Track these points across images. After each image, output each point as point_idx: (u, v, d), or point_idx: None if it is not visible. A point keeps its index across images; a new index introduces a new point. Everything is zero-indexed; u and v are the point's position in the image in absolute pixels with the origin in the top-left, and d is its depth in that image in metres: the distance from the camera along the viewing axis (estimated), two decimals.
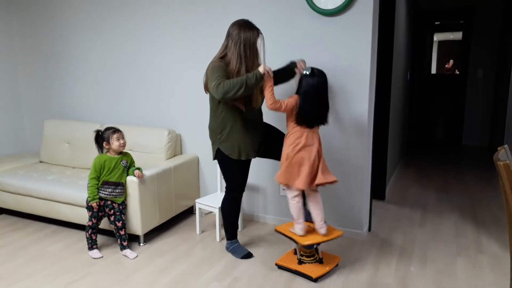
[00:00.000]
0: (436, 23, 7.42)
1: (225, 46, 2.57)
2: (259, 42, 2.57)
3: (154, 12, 3.64)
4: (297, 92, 2.51)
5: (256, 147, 2.73)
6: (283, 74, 2.71)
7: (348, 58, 2.97)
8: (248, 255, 2.89)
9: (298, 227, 2.61)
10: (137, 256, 2.89)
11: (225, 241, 3.13)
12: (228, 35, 2.56)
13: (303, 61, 2.65)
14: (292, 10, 3.09)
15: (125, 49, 3.84)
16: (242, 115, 2.62)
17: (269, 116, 3.08)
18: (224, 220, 2.91)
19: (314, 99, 2.46)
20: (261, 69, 2.41)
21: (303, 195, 2.64)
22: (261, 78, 2.42)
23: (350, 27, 2.93)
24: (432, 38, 7.72)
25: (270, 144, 2.81)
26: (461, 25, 6.91)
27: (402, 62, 4.95)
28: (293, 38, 3.12)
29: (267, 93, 2.47)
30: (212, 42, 3.44)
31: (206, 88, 2.64)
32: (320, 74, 2.48)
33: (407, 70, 5.63)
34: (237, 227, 2.99)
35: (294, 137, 2.52)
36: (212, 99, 2.67)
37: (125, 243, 2.93)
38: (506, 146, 1.74)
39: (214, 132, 2.71)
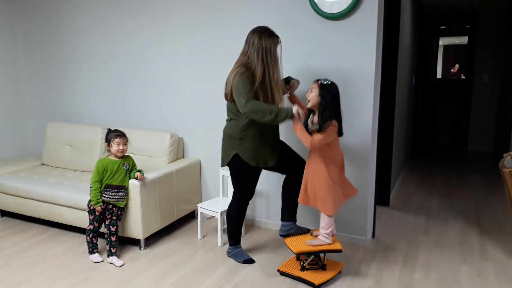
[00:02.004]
0: (441, 27, 7.39)
1: (246, 53, 2.56)
2: (279, 48, 2.58)
3: (156, 15, 3.63)
4: (325, 111, 2.37)
5: (275, 155, 2.72)
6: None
7: (353, 62, 2.95)
8: (250, 261, 2.87)
9: (330, 237, 2.56)
10: (123, 264, 2.84)
11: (227, 246, 3.11)
12: (248, 42, 2.56)
13: (298, 82, 2.73)
14: (296, 14, 3.07)
15: (128, 52, 3.83)
16: (261, 125, 2.58)
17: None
18: (228, 225, 2.89)
19: (337, 106, 2.42)
20: (294, 109, 2.39)
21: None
22: (291, 117, 2.39)
23: (355, 31, 2.91)
24: (438, 42, 7.69)
25: (285, 157, 2.79)
26: (467, 30, 6.88)
27: (407, 67, 4.92)
28: (297, 42, 3.10)
29: (300, 134, 2.40)
30: (215, 45, 3.43)
31: (228, 97, 2.63)
32: (335, 85, 2.45)
33: (412, 75, 5.59)
34: (241, 233, 2.96)
35: (337, 155, 2.49)
36: (234, 105, 2.62)
37: (113, 250, 2.89)
38: (511, 152, 1.71)
39: (233, 137, 2.65)
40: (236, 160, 2.67)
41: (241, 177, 2.74)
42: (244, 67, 2.54)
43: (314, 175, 2.49)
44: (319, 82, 2.41)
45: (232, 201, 2.84)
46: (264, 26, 2.61)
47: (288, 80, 2.76)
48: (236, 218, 2.85)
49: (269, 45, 2.51)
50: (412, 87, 5.71)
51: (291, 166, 2.78)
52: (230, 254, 2.94)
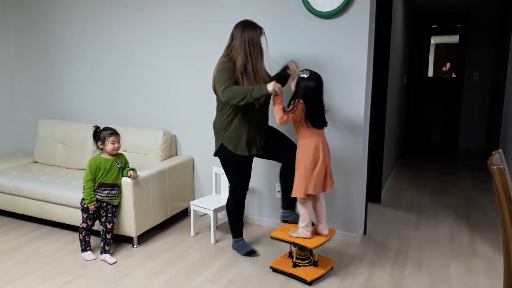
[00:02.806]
0: (433, 26, 7.44)
1: (230, 46, 2.64)
2: (263, 39, 2.64)
3: (150, 13, 3.62)
4: (295, 96, 2.47)
5: (258, 144, 2.77)
6: (279, 80, 2.73)
7: (345, 60, 2.97)
8: (251, 252, 2.92)
9: (308, 230, 2.57)
10: (116, 261, 2.85)
11: (219, 243, 3.13)
12: (232, 35, 2.64)
13: (295, 62, 2.70)
14: (289, 12, 3.09)
15: (121, 49, 3.82)
16: (243, 113, 2.66)
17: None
18: (229, 219, 2.94)
19: (316, 99, 2.46)
20: (269, 86, 2.42)
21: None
22: (266, 94, 2.44)
23: (347, 29, 2.93)
24: (429, 41, 7.75)
25: (272, 144, 2.82)
26: (458, 29, 6.94)
27: (399, 65, 4.95)
28: (290, 40, 3.11)
29: (276, 109, 2.47)
30: (208, 43, 3.43)
31: (214, 90, 2.70)
32: (317, 77, 2.47)
33: (404, 73, 5.63)
34: (242, 225, 2.99)
35: (310, 142, 2.49)
36: (219, 97, 2.69)
37: (107, 248, 2.89)
38: (500, 150, 1.74)
39: (218, 128, 2.75)
40: (222, 149, 2.76)
41: (229, 167, 2.80)
42: (227, 58, 2.62)
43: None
44: (299, 74, 2.49)
45: (228, 195, 2.90)
46: (247, 20, 2.66)
47: (287, 70, 2.73)
48: (234, 211, 2.90)
49: (251, 36, 2.57)
50: (404, 85, 5.75)
51: (283, 153, 2.78)
52: (234, 247, 2.98)
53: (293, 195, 2.53)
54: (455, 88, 6.93)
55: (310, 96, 2.44)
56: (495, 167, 1.49)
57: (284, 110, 2.47)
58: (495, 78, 5.90)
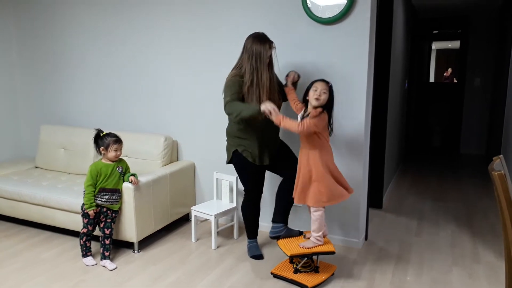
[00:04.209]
0: (434, 31, 7.45)
1: (241, 58, 2.73)
2: (271, 53, 2.70)
3: (151, 18, 3.64)
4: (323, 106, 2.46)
5: (271, 155, 2.84)
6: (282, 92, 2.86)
7: (345, 66, 2.98)
8: (258, 257, 2.96)
9: (321, 237, 2.59)
10: (116, 267, 2.84)
11: (220, 249, 3.14)
12: (244, 47, 2.71)
13: (298, 75, 2.78)
14: (289, 18, 3.10)
15: (122, 55, 3.84)
16: (259, 124, 2.71)
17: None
18: (243, 220, 3.02)
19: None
20: (263, 106, 2.47)
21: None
22: (257, 112, 2.50)
23: (348, 35, 2.93)
24: (430, 47, 7.76)
25: (278, 159, 2.87)
26: (459, 34, 6.95)
27: (400, 70, 4.96)
28: (290, 46, 3.12)
29: (285, 125, 2.44)
30: (209, 49, 3.44)
31: None
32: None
33: (405, 79, 5.64)
34: (257, 228, 3.06)
35: (327, 150, 2.54)
36: None
37: (107, 253, 2.89)
38: (501, 156, 1.74)
39: (231, 135, 2.83)
40: (235, 156, 2.83)
41: (243, 174, 2.88)
42: (237, 70, 2.71)
43: (305, 170, 2.53)
44: (329, 85, 2.49)
45: (243, 197, 2.98)
46: (259, 32, 2.72)
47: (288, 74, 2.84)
48: (247, 214, 2.98)
49: (259, 51, 2.63)
50: (405, 91, 5.75)
51: (286, 169, 2.84)
52: (247, 246, 3.07)
53: (315, 204, 2.50)
54: (456, 93, 6.93)
55: (330, 107, 2.50)
56: (496, 173, 1.49)
57: (302, 117, 2.49)
58: (496, 83, 5.90)
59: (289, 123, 2.44)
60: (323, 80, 2.49)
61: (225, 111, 2.66)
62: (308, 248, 2.57)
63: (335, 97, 2.99)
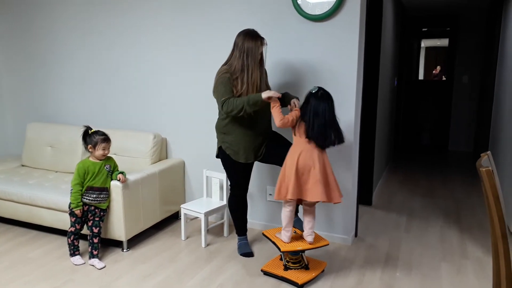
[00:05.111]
0: (423, 29, 7.50)
1: (232, 55, 2.71)
2: (262, 50, 2.70)
3: (142, 15, 3.60)
4: (301, 108, 2.55)
5: (256, 152, 2.83)
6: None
7: (335, 63, 2.98)
8: (248, 254, 2.96)
9: (286, 235, 2.61)
10: (104, 266, 2.81)
11: (210, 247, 3.13)
12: (235, 43, 2.69)
13: (297, 100, 2.69)
14: (280, 15, 3.09)
15: (112, 51, 3.79)
16: (245, 120, 2.72)
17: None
18: (232, 216, 3.02)
19: (317, 118, 2.46)
20: (264, 94, 2.53)
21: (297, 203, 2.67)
22: (261, 102, 2.55)
23: (337, 32, 2.93)
24: (420, 44, 7.80)
25: (273, 150, 2.84)
26: (448, 32, 7.00)
27: (389, 68, 4.98)
28: (280, 42, 3.11)
29: (274, 112, 2.57)
30: (200, 46, 3.42)
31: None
32: (325, 96, 2.50)
33: (395, 76, 5.67)
34: (245, 224, 3.05)
35: (295, 149, 2.54)
36: None
37: (95, 252, 2.85)
38: (489, 152, 1.75)
39: (219, 131, 2.85)
40: (222, 152, 2.85)
41: (228, 169, 2.89)
42: (227, 67, 2.69)
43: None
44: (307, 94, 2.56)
45: (230, 192, 2.97)
46: (250, 29, 2.70)
47: (288, 98, 2.74)
48: (234, 209, 2.97)
49: (250, 47, 2.62)
50: (394, 88, 5.78)
51: (283, 159, 2.77)
52: (237, 244, 3.07)
53: (274, 198, 2.58)
54: (445, 90, 6.99)
55: (312, 113, 2.47)
56: (484, 169, 1.49)
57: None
58: (484, 80, 5.96)
59: (276, 114, 2.56)
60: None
61: (223, 109, 2.63)
62: (275, 236, 2.67)
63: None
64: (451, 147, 6.93)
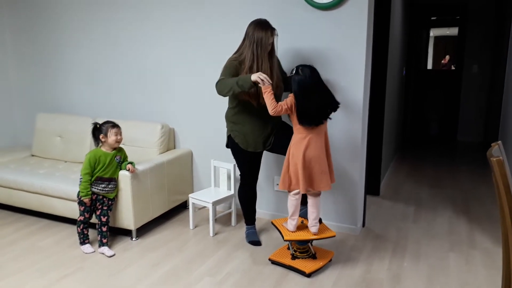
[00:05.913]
0: (432, 18, 7.40)
1: (242, 44, 2.71)
2: (273, 40, 2.69)
3: (149, 5, 3.59)
4: (294, 94, 2.48)
5: (265, 141, 2.83)
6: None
7: (343, 52, 2.95)
8: (256, 243, 2.99)
9: (292, 224, 2.62)
10: (114, 254, 2.85)
11: (218, 236, 3.15)
12: (246, 33, 2.68)
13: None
14: (287, 4, 3.06)
15: (119, 42, 3.79)
16: (254, 110, 2.72)
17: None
18: (241, 205, 3.04)
19: (306, 94, 2.42)
20: (253, 76, 2.46)
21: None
22: (250, 84, 2.48)
23: (345, 21, 2.90)
24: (428, 34, 7.71)
25: (282, 140, 2.82)
26: (457, 21, 6.90)
27: (398, 57, 4.93)
28: (288, 31, 3.09)
29: (266, 98, 2.49)
30: (207, 36, 3.41)
31: None
32: (304, 70, 2.44)
33: (403, 65, 5.61)
34: (254, 214, 3.08)
35: (298, 138, 2.50)
36: None
37: (104, 240, 2.89)
38: (499, 142, 1.73)
39: (228, 120, 2.86)
40: (230, 141, 2.87)
41: (238, 158, 2.91)
42: (237, 55, 2.70)
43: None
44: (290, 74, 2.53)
45: (240, 182, 3.00)
46: (262, 19, 2.70)
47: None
48: (244, 198, 3.00)
49: (260, 37, 2.60)
50: (403, 77, 5.73)
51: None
52: (245, 233, 3.10)
53: (279, 187, 2.59)
54: (454, 80, 6.91)
55: (300, 92, 2.43)
56: (495, 159, 1.48)
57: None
58: (494, 70, 5.89)
59: (268, 99, 2.47)
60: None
61: (216, 89, 2.63)
62: (281, 225, 2.69)
63: (332, 84, 2.97)
64: (460, 137, 6.87)
